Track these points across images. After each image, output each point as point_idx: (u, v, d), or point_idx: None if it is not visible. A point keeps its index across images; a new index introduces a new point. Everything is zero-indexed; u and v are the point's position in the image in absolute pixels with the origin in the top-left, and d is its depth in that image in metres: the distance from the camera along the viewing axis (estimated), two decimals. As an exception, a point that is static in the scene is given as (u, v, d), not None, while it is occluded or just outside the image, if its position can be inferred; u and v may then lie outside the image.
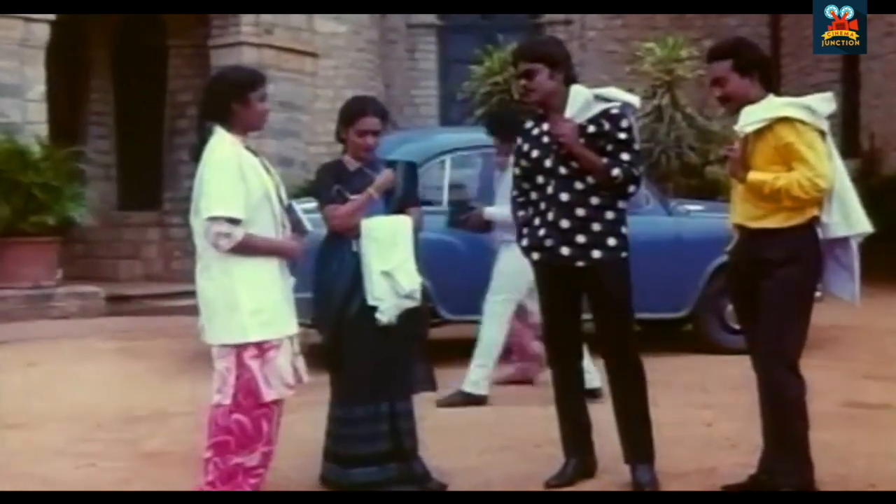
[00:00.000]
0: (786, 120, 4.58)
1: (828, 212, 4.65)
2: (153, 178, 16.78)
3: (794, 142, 4.56)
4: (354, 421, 5.04)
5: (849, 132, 15.69)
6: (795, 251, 4.60)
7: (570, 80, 5.09)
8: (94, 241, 16.14)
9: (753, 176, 4.61)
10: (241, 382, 4.41)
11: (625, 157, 4.97)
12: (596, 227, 4.98)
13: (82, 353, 9.85)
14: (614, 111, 5.02)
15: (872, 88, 15.65)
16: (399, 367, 5.12)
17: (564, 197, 4.98)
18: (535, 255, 5.11)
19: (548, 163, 5.03)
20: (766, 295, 4.61)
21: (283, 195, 4.63)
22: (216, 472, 4.45)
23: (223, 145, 4.42)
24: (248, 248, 4.38)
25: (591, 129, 4.98)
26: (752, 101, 4.70)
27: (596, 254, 4.97)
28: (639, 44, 15.12)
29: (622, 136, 4.99)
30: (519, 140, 5.24)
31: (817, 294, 4.77)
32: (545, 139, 5.07)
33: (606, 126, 4.98)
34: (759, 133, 4.63)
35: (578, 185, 4.97)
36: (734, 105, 4.78)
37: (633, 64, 14.91)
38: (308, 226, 4.65)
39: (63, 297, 12.88)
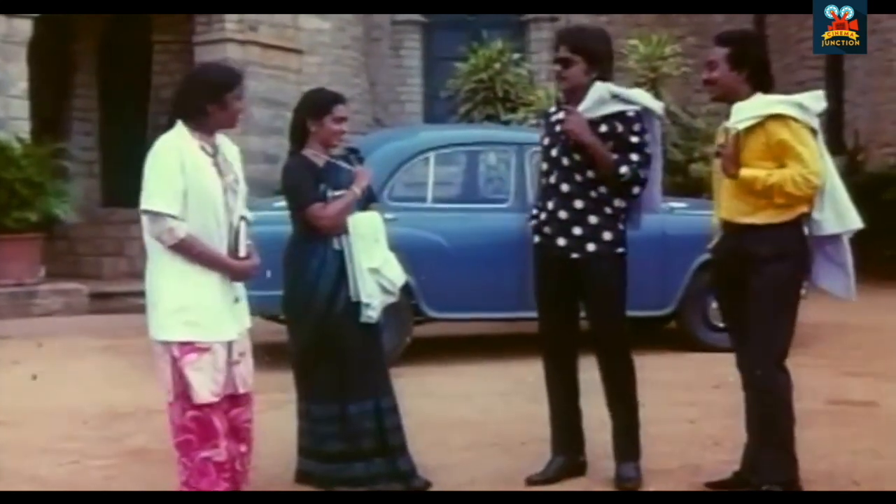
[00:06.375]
0: (778, 117, 4.58)
1: (819, 209, 4.65)
2: (137, 175, 16.50)
3: (788, 139, 4.55)
4: (337, 419, 4.99)
5: (833, 130, 15.69)
6: (783, 247, 4.59)
7: (604, 78, 5.03)
8: (77, 237, 16.02)
9: (746, 172, 4.59)
10: (183, 379, 4.34)
11: (634, 157, 4.96)
12: (593, 220, 4.99)
13: (66, 351, 9.81)
14: (630, 114, 5.01)
15: (857, 86, 15.69)
16: (381, 363, 5.13)
17: (565, 188, 5.00)
18: (536, 239, 5.14)
19: (554, 152, 5.07)
20: (754, 292, 4.61)
21: (241, 203, 4.51)
22: (187, 472, 4.42)
23: (169, 138, 4.41)
24: (187, 251, 4.34)
25: (604, 128, 4.97)
26: (737, 96, 4.70)
27: (591, 247, 4.99)
28: (623, 41, 15.11)
29: (634, 139, 4.98)
30: (541, 123, 5.26)
31: (802, 291, 4.78)
32: (557, 128, 5.09)
33: (619, 128, 4.97)
34: (750, 130, 4.61)
35: (578, 178, 4.98)
36: (717, 91, 4.77)
37: (618, 61, 14.87)
38: (243, 251, 4.47)
39: (46, 294, 12.82)
